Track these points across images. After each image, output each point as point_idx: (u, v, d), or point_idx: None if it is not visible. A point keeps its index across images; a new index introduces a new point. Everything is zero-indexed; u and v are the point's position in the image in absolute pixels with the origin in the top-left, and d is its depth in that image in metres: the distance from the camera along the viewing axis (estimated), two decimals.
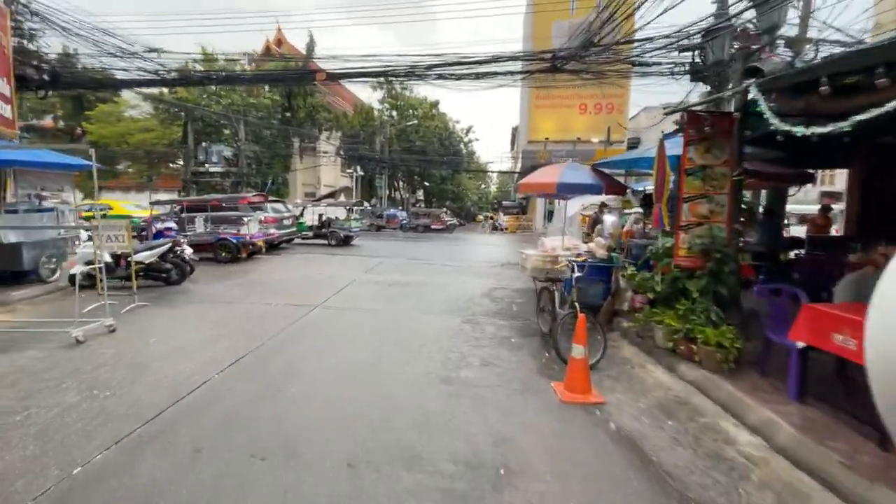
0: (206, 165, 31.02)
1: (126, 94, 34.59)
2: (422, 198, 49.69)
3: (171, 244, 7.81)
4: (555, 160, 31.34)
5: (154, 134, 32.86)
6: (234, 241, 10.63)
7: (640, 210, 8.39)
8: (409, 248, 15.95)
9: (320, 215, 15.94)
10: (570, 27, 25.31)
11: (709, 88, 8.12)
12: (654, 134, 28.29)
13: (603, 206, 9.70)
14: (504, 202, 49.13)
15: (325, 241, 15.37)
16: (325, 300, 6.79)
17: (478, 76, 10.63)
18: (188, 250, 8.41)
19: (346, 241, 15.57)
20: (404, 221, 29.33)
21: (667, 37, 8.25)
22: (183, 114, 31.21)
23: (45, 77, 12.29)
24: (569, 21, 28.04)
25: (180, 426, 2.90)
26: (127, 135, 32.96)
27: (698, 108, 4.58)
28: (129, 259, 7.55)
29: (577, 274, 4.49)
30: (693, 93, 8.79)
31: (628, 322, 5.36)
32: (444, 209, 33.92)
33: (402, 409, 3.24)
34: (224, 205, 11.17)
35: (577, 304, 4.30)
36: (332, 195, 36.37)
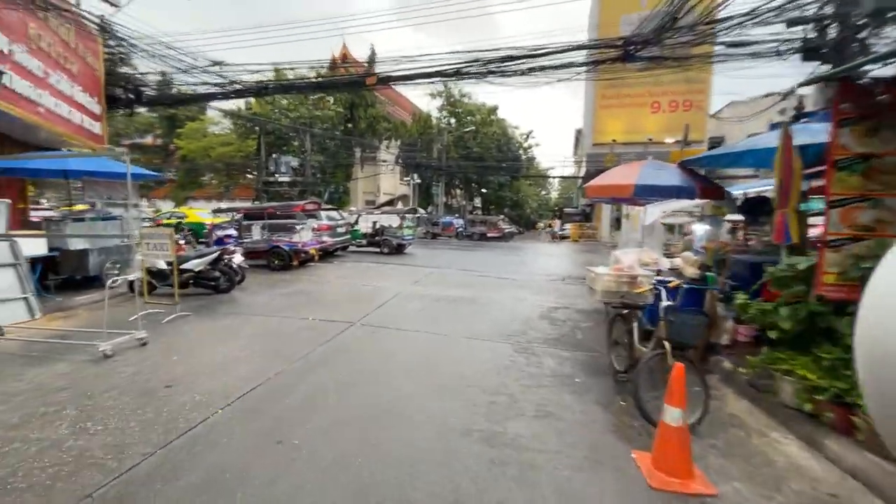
0: (276, 175, 32.83)
1: (209, 112, 38.02)
2: (479, 205, 48.98)
3: (219, 252, 7.77)
4: (623, 163, 29.00)
5: (232, 147, 35.61)
6: (287, 248, 10.60)
7: (739, 218, 6.91)
8: (463, 258, 15.21)
9: (374, 223, 15.76)
10: (640, 19, 23.39)
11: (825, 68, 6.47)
12: (741, 131, 25.12)
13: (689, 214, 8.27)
14: (566, 209, 46.82)
15: (378, 250, 15.14)
16: (364, 316, 6.22)
17: (541, 69, 9.71)
18: (238, 258, 8.37)
19: (398, 250, 15.22)
20: (460, 229, 28.71)
21: (777, 7, 6.73)
22: (256, 128, 33.51)
23: (131, 96, 13.34)
24: (638, 13, 25.94)
25: (154, 483, 2.36)
26: (209, 149, 36.09)
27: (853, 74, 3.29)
28: (180, 267, 7.61)
29: (666, 302, 3.42)
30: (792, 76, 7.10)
31: (732, 362, 4.12)
32: (502, 217, 32.82)
33: (422, 483, 2.44)
34: (278, 213, 11.23)
35: (666, 342, 3.23)
36: (390, 203, 36.94)
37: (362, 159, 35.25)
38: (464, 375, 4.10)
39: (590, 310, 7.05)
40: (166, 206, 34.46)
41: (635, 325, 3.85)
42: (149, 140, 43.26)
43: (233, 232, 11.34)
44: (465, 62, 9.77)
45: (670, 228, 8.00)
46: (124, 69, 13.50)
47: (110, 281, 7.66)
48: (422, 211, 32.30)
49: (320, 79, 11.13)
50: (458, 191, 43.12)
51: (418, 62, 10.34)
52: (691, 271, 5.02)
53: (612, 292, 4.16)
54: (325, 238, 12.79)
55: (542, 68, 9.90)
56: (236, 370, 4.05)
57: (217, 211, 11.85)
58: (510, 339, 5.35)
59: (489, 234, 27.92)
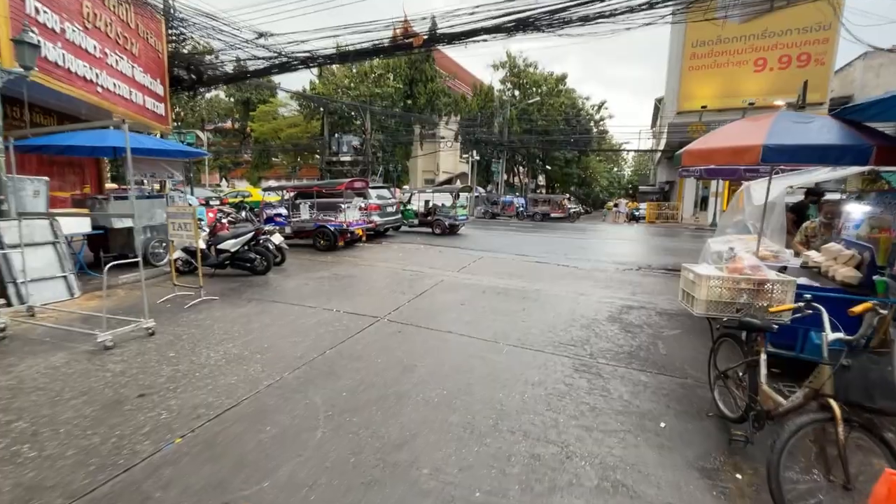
0: (338, 155, 33.33)
1: (279, 95, 39.47)
2: (543, 183, 46.30)
3: (254, 232, 7.38)
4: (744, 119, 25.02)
5: (299, 129, 36.73)
6: (332, 228, 10.13)
7: None
8: (521, 241, 13.89)
9: (426, 202, 14.94)
10: None
11: None
12: (878, 88, 20.36)
13: (809, 192, 6.32)
14: (641, 186, 42.62)
15: (430, 230, 14.34)
16: (396, 309, 5.38)
17: (610, 15, 7.95)
18: (277, 238, 7.97)
19: (451, 230, 14.29)
20: (521, 209, 27.05)
21: None
22: (321, 108, 34.11)
23: (193, 76, 13.54)
24: None
25: None
26: (279, 130, 37.59)
27: None
28: (217, 247, 7.33)
29: (834, 334, 2.07)
30: None
31: None
32: (567, 195, 30.44)
33: None
34: (324, 191, 10.78)
35: (834, 402, 1.93)
36: (449, 181, 36.02)
37: (421, 137, 34.54)
38: (501, 406, 3.06)
39: (675, 311, 5.58)
40: (241, 186, 36.67)
41: (762, 358, 2.52)
42: (228, 124, 46.41)
43: (283, 211, 11.14)
44: (522, 12, 8.29)
45: (799, 210, 6.11)
46: (186, 50, 13.73)
47: (154, 260, 7.60)
48: (480, 190, 30.99)
49: (368, 45, 10.26)
50: (521, 168, 40.92)
51: (473, 16, 9.05)
52: (844, 273, 3.45)
53: (723, 304, 2.82)
54: (374, 218, 12.21)
55: (612, 14, 8.11)
56: (223, 379, 3.39)
57: (267, 189, 11.80)
58: (568, 349, 4.18)
59: (552, 214, 25.98)
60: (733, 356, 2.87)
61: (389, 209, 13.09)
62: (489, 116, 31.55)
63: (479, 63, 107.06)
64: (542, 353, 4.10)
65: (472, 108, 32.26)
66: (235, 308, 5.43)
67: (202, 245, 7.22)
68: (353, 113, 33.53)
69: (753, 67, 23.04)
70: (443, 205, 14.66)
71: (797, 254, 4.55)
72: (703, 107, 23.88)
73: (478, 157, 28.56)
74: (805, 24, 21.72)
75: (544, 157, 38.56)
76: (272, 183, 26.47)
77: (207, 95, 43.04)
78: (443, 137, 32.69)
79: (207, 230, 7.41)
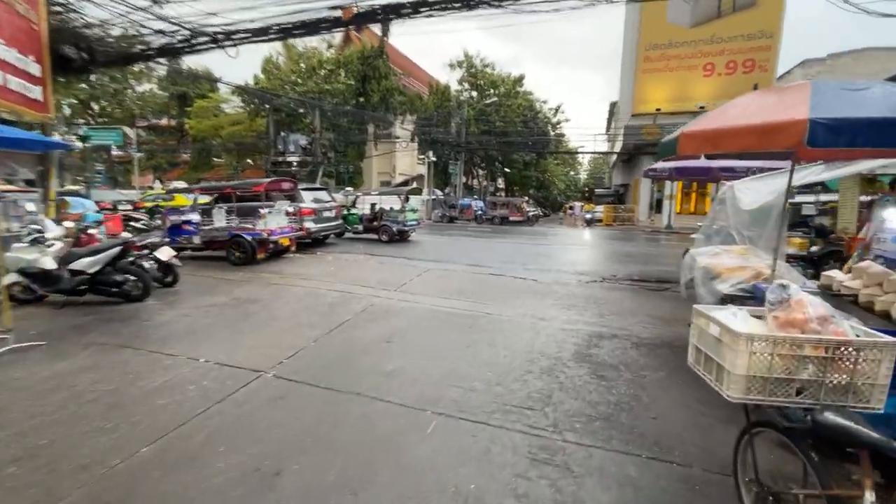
0: (285, 154, 30.99)
1: (222, 90, 36.39)
2: (502, 186, 45.86)
3: (122, 247, 5.63)
4: (667, 136, 25.27)
5: (242, 126, 33.97)
6: (249, 238, 8.45)
7: None
8: (476, 248, 12.72)
9: (372, 205, 13.45)
10: None
11: None
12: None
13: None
14: (597, 189, 43.16)
15: (377, 237, 12.86)
16: (294, 354, 3.93)
17: None
18: (164, 253, 6.26)
19: (400, 237, 12.89)
20: (479, 212, 26.09)
21: None
22: (266, 105, 31.64)
23: (84, 55, 11.28)
24: None
25: None
26: (219, 128, 34.59)
27: None
28: (69, 268, 5.53)
29: None
30: None
31: None
32: (526, 198, 29.89)
33: None
34: (238, 193, 9.04)
35: None
36: (405, 183, 34.55)
37: (376, 136, 32.85)
38: None
39: (652, 339, 4.51)
40: (158, 187, 33.16)
41: (868, 498, 1.35)
42: (164, 121, 42.44)
43: (194, 217, 9.27)
44: None
45: (796, 212, 5.26)
46: (76, 24, 11.47)
47: None
48: (438, 192, 29.79)
49: (295, 23, 8.64)
50: (480, 171, 40.17)
51: None
52: None
53: (775, 383, 1.65)
54: (306, 224, 10.58)
55: None
56: None
57: (172, 191, 9.85)
58: (523, 417, 2.92)
59: (511, 218, 25.22)
60: (769, 455, 1.70)
61: (327, 214, 11.49)
62: (446, 116, 30.44)
63: (436, 62, 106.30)
64: (485, 426, 2.81)
65: (429, 107, 31.02)
66: (56, 360, 3.75)
67: (50, 265, 5.41)
68: (301, 110, 31.35)
69: (703, 72, 23.41)
70: (391, 208, 13.23)
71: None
72: (657, 109, 24.00)
73: (434, 159, 27.32)
74: (749, 31, 22.27)
75: (503, 159, 37.99)
76: (178, 184, 23.61)
77: (139, 88, 39.29)
78: (398, 137, 31.21)
79: (56, 243, 5.57)
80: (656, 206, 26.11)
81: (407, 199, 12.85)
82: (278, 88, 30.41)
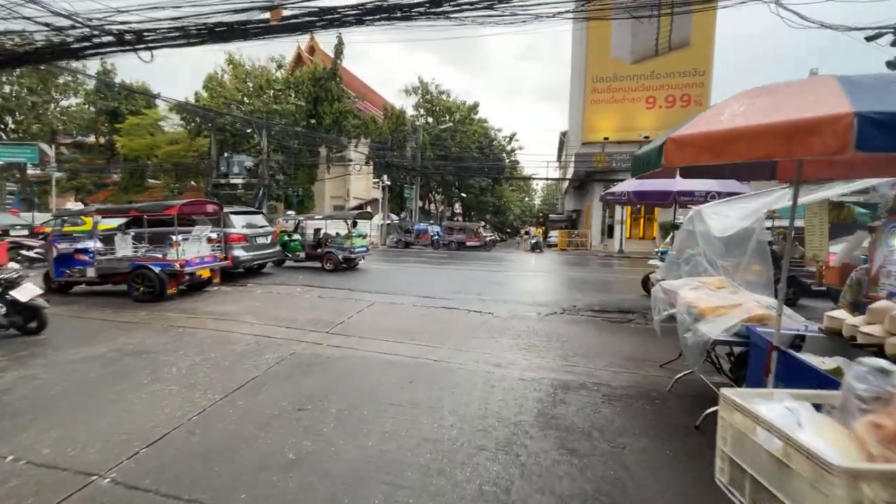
0: (229, 177, 29.06)
1: (158, 106, 34.03)
2: (459, 211, 45.86)
3: None
4: (616, 164, 26.37)
5: (181, 146, 31.69)
6: (158, 269, 7.10)
7: None
8: (430, 276, 11.89)
9: (316, 231, 12.33)
10: None
11: None
12: None
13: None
14: (550, 215, 44.20)
15: (321, 265, 11.70)
16: (154, 442, 2.83)
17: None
18: (24, 293, 4.89)
19: (347, 265, 11.81)
20: (436, 237, 25.45)
21: None
22: (209, 125, 29.78)
23: None
24: None
25: None
26: (154, 147, 32.08)
27: None
28: None
29: None
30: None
31: None
32: (483, 223, 29.75)
33: None
34: (149, 216, 7.70)
35: None
36: (360, 208, 33.44)
37: (328, 159, 31.72)
38: None
39: (624, 388, 3.82)
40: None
41: None
42: (92, 139, 38.94)
43: (90, 245, 7.76)
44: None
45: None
46: None
47: None
48: (393, 217, 28.96)
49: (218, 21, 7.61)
50: (437, 195, 39.92)
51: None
52: None
53: None
54: (237, 252, 9.32)
55: None
56: None
57: (59, 216, 8.20)
58: None
59: (468, 243, 24.76)
60: None
61: (262, 241, 10.25)
62: (401, 140, 30.02)
63: (392, 90, 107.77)
64: None
65: (384, 131, 30.50)
66: None
67: None
68: (248, 130, 29.76)
69: (645, 104, 24.72)
70: (336, 234, 12.18)
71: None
72: (605, 138, 24.90)
73: (389, 182, 26.57)
74: (684, 68, 23.92)
75: (459, 184, 38.01)
76: (73, 205, 21.10)
77: (63, 103, 35.92)
78: (350, 161, 30.28)
79: None
80: (608, 232, 26.75)
81: (354, 224, 11.88)
82: (222, 107, 28.74)
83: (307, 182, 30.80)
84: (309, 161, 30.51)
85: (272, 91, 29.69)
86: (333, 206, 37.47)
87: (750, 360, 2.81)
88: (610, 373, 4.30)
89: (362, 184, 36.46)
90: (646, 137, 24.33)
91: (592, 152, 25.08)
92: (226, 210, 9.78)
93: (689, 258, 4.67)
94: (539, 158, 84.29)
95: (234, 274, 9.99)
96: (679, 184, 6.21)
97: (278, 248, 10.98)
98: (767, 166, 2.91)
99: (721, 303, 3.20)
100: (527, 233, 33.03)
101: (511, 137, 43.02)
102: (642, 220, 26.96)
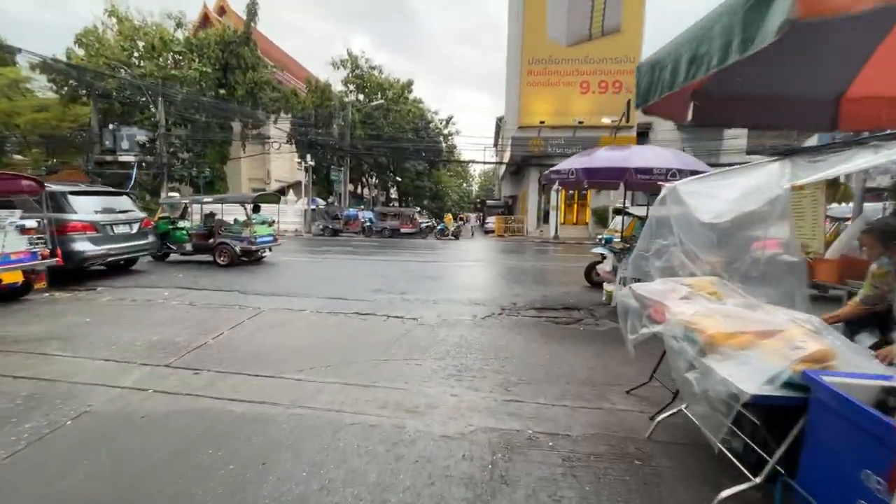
0: (117, 153, 24.51)
1: (18, 64, 27.85)
2: (396, 196, 43.92)
3: None
4: (551, 149, 26.15)
5: (52, 114, 26.13)
6: None
7: None
8: (352, 270, 10.24)
9: (206, 217, 10.06)
10: None
11: None
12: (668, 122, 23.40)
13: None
14: (488, 201, 43.93)
15: (213, 259, 9.52)
16: None
17: None
18: None
19: (248, 259, 9.76)
20: (367, 224, 23.53)
21: None
22: (87, 89, 24.78)
23: None
24: None
25: None
26: (14, 114, 26.16)
27: None
28: None
29: None
30: None
31: None
32: (419, 209, 28.28)
33: None
34: None
35: None
36: (281, 192, 30.27)
37: (244, 136, 28.03)
38: None
39: (591, 437, 2.64)
40: None
41: None
42: None
43: None
44: None
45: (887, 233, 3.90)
46: None
47: None
48: (319, 201, 26.42)
49: None
50: (370, 179, 37.58)
51: None
52: None
53: None
54: (80, 246, 6.98)
55: None
56: None
57: None
58: None
59: (403, 230, 23.17)
60: None
61: (122, 230, 7.89)
62: (328, 117, 27.30)
63: (317, 61, 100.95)
64: None
65: (306, 105, 27.51)
66: None
67: None
68: (141, 99, 25.19)
69: (580, 89, 24.56)
70: (234, 221, 10.01)
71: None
72: (541, 122, 24.42)
73: (313, 163, 23.97)
74: (616, 55, 24.01)
75: (395, 168, 36.03)
76: None
77: None
78: (268, 138, 27.03)
79: None
80: (544, 217, 26.62)
81: (256, 209, 9.79)
82: (104, 68, 23.92)
83: (218, 161, 27.00)
84: (220, 137, 26.66)
85: (170, 54, 25.31)
86: (252, 188, 33.68)
87: (810, 434, 1.69)
88: (566, 411, 3.13)
89: (286, 165, 33.12)
90: (580, 123, 24.27)
91: (529, 136, 24.53)
92: (65, 189, 7.31)
93: (660, 250, 3.61)
94: (476, 143, 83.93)
95: (85, 274, 7.59)
96: (635, 159, 5.22)
97: (151, 238, 8.63)
98: (828, 112, 1.77)
99: (741, 325, 2.07)
100: (464, 219, 32.18)
101: (448, 121, 41.74)
102: (576, 206, 27.17)
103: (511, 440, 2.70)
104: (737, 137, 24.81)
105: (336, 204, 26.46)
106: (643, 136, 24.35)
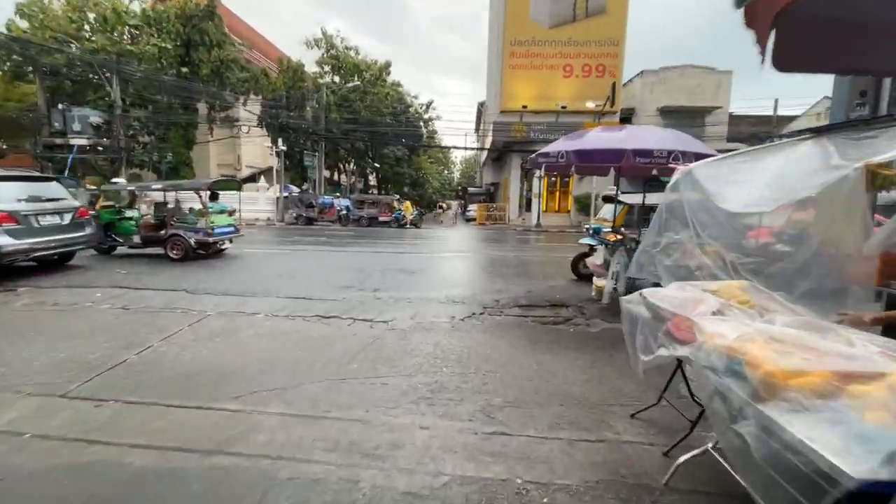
0: (67, 136, 22.62)
1: None
2: (375, 183, 42.70)
3: None
4: (534, 135, 25.53)
5: None
6: None
7: None
8: (321, 264, 9.46)
9: (157, 206, 9.07)
10: None
11: None
12: (652, 104, 22.90)
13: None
14: (469, 188, 43.20)
15: (164, 252, 8.57)
16: None
17: None
18: None
19: (205, 252, 8.86)
20: (344, 212, 22.57)
21: None
22: (32, 66, 22.67)
23: None
24: None
25: None
26: None
27: None
28: None
29: None
30: None
31: None
32: (398, 196, 27.38)
33: None
34: None
35: None
36: (251, 178, 28.84)
37: (210, 119, 26.33)
38: None
39: (594, 490, 2.05)
40: None
41: None
42: None
43: None
44: None
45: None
46: None
47: None
48: (293, 188, 25.21)
49: None
50: (348, 166, 36.28)
51: None
52: None
53: None
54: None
55: None
56: None
57: None
58: None
59: (381, 218, 22.30)
60: None
61: (50, 220, 6.88)
62: (300, 99, 25.87)
63: (290, 41, 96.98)
64: None
65: (277, 86, 25.99)
66: None
67: None
68: (94, 77, 23.22)
69: (563, 73, 23.88)
70: (190, 210, 9.06)
71: None
72: (523, 106, 23.72)
73: (285, 148, 22.70)
74: (600, 37, 23.38)
75: (373, 153, 34.82)
76: None
77: None
78: (236, 121, 25.49)
79: None
80: (526, 205, 26.14)
81: (214, 197, 8.86)
82: (51, 42, 21.84)
83: (182, 146, 25.31)
84: (184, 119, 24.94)
85: (125, 28, 23.32)
86: (221, 174, 31.96)
87: None
88: (561, 446, 2.54)
89: (258, 150, 31.50)
90: (563, 107, 23.68)
91: (511, 121, 23.83)
92: None
93: (671, 246, 3.04)
94: (458, 129, 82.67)
95: (5, 272, 6.60)
96: (632, 140, 4.63)
97: (89, 230, 7.63)
98: None
99: (813, 359, 1.49)
100: (440, 207, 31.41)
101: (428, 105, 40.53)
102: (558, 193, 26.77)
103: (494, 496, 2.10)
104: (717, 125, 24.76)
105: (310, 191, 25.29)
106: (625, 121, 23.97)
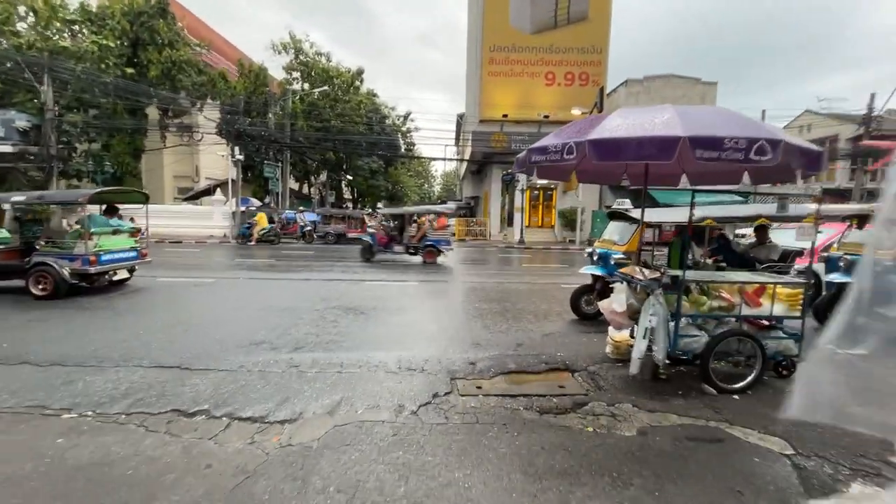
0: None
1: None
2: (349, 197, 40.54)
3: None
4: (515, 145, 24.08)
5: None
6: None
7: None
8: (236, 303, 7.31)
9: (24, 223, 6.81)
10: None
11: None
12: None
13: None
14: (449, 202, 41.54)
15: (27, 288, 6.30)
16: None
17: None
18: None
19: (88, 284, 6.64)
20: (308, 227, 20.39)
21: None
22: None
23: None
24: None
25: None
26: None
27: None
28: None
29: None
30: None
31: None
32: (370, 210, 25.35)
33: None
34: None
35: None
36: (206, 192, 26.34)
37: (162, 125, 23.85)
38: None
39: None
40: None
41: None
42: None
43: None
44: None
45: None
46: None
47: None
48: (253, 202, 22.87)
49: None
50: (317, 178, 34.07)
51: None
52: None
53: None
54: None
55: None
56: None
57: None
58: None
59: (350, 235, 20.16)
60: None
61: None
62: (262, 105, 23.74)
63: (256, 46, 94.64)
64: None
65: (237, 91, 23.82)
66: None
67: None
68: (22, 76, 20.53)
69: (545, 80, 22.62)
70: (68, 228, 6.83)
71: None
72: (504, 115, 22.25)
73: (242, 157, 20.45)
74: (582, 44, 22.30)
75: (346, 165, 32.79)
76: None
77: None
78: (191, 128, 23.12)
79: None
80: (508, 220, 24.52)
81: (111, 211, 6.66)
82: None
83: (128, 154, 22.71)
84: (130, 125, 22.40)
85: (58, 22, 20.82)
86: (177, 187, 29.36)
87: None
88: None
89: (218, 161, 28.98)
90: (545, 117, 22.33)
91: (491, 131, 22.30)
92: None
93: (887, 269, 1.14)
94: (437, 140, 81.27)
95: None
96: (688, 123, 2.81)
97: None
98: None
99: None
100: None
101: (406, 117, 38.94)
102: (541, 207, 25.28)
103: None
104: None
105: (272, 205, 23.00)
106: None
